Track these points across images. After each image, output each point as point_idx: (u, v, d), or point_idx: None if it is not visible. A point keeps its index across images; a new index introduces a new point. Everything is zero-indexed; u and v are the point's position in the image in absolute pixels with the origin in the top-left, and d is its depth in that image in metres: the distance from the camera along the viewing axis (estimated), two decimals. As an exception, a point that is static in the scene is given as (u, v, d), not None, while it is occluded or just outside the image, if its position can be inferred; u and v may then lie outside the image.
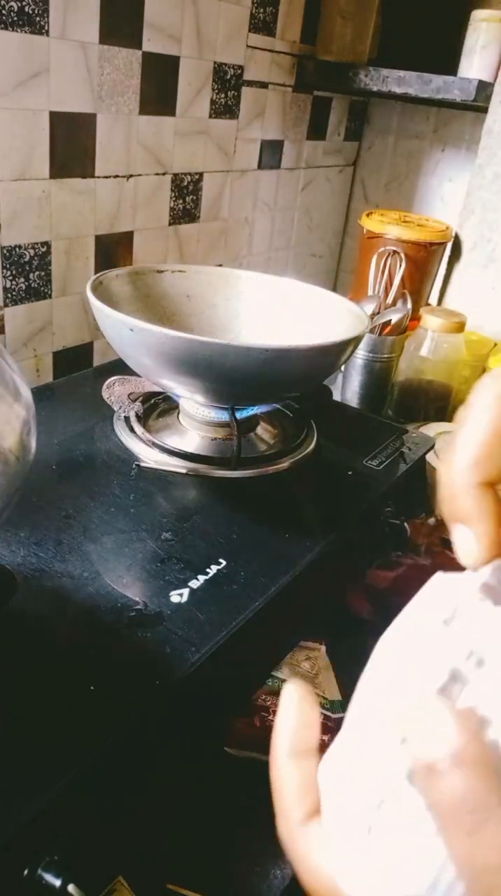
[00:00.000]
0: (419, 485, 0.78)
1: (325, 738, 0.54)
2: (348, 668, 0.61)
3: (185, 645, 0.42)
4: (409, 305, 0.90)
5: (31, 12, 0.64)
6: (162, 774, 0.45)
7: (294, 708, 0.24)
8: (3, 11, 0.61)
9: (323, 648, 0.62)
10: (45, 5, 0.64)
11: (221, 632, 0.43)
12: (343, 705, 0.58)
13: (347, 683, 0.60)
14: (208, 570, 0.48)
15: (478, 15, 0.96)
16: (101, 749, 0.35)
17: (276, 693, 0.57)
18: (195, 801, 0.51)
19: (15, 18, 0.63)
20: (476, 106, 0.98)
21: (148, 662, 0.41)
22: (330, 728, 0.55)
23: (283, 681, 0.58)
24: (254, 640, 0.47)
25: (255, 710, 0.55)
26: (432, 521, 0.76)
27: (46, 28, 0.65)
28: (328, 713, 0.56)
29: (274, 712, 0.54)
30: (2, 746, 0.35)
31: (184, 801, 0.50)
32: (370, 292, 0.94)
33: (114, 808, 0.40)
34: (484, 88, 0.94)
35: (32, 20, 0.64)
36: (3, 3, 0.61)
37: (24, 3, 0.63)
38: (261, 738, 0.54)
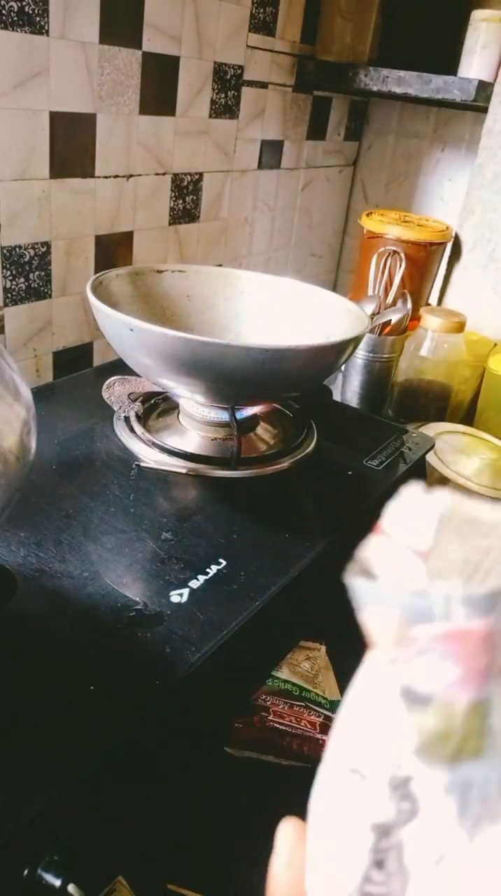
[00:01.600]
0: (419, 485, 0.78)
1: (324, 737, 0.54)
2: (348, 668, 0.61)
3: (185, 645, 0.42)
4: (409, 305, 0.90)
5: (31, 12, 0.64)
6: (162, 774, 0.45)
7: (286, 853, 0.22)
8: (3, 11, 0.61)
9: (323, 648, 0.62)
10: (44, 5, 0.64)
11: (221, 632, 0.43)
12: (343, 705, 0.58)
13: (347, 683, 0.60)
14: (208, 570, 0.48)
15: (478, 15, 0.96)
16: (101, 749, 0.36)
17: (276, 693, 0.57)
18: (195, 801, 0.51)
19: (15, 18, 0.63)
20: (476, 106, 0.98)
21: (148, 662, 0.41)
22: (330, 728, 0.55)
23: (284, 681, 0.58)
24: (254, 640, 0.47)
25: (255, 710, 0.55)
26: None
27: (46, 28, 0.65)
28: (327, 713, 0.56)
29: (275, 712, 0.55)
30: (2, 746, 0.35)
31: (184, 801, 0.50)
32: (370, 292, 0.94)
33: (115, 808, 0.40)
34: (484, 88, 0.94)
35: (32, 20, 0.64)
36: (3, 3, 0.61)
37: (24, 3, 0.63)
38: (261, 738, 0.54)
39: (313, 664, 0.60)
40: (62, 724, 0.36)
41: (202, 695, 0.44)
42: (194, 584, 0.47)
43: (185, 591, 0.46)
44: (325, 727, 0.55)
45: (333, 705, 0.57)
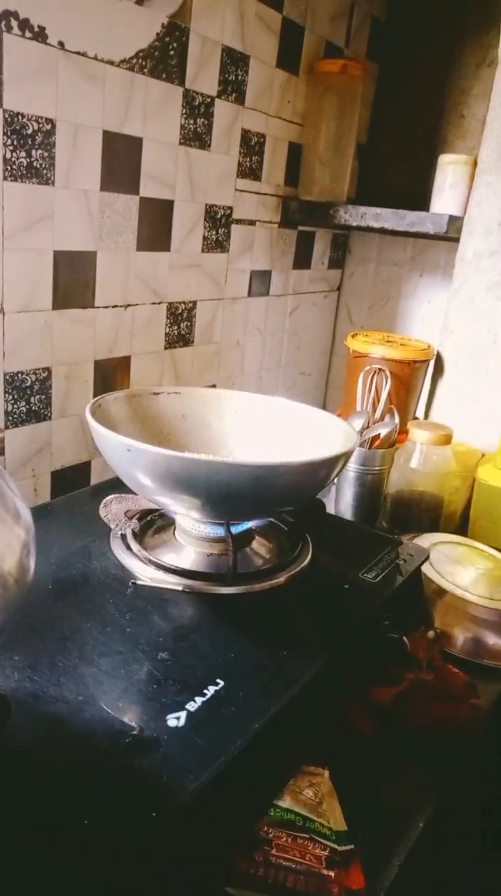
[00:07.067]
0: (416, 597, 0.77)
1: (331, 874, 0.51)
2: (352, 792, 0.59)
3: (183, 773, 0.40)
4: (397, 419, 0.93)
5: (38, 166, 0.70)
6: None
7: None
8: (14, 166, 0.68)
9: (327, 773, 0.60)
10: (51, 160, 0.71)
11: (220, 758, 0.42)
12: (348, 836, 0.55)
13: (352, 809, 0.57)
14: (205, 691, 0.47)
15: (445, 159, 1.06)
16: (96, 888, 0.34)
17: (279, 824, 0.54)
18: None
19: (24, 172, 0.69)
20: (449, 237, 1.06)
21: (144, 792, 0.39)
22: (337, 862, 0.52)
23: (286, 810, 0.55)
24: (255, 765, 0.45)
25: (257, 843, 0.52)
26: (431, 634, 0.75)
27: (52, 179, 0.72)
28: (333, 846, 0.53)
29: (278, 846, 0.52)
30: (-10, 890, 0.33)
31: None
32: (358, 408, 0.97)
33: None
34: (454, 222, 1.02)
35: (40, 173, 0.70)
36: (13, 159, 0.68)
37: (32, 159, 0.69)
38: (265, 877, 0.50)
39: (316, 791, 0.58)
40: (55, 860, 0.35)
41: (201, 826, 0.42)
42: (191, 706, 0.46)
43: (183, 714, 0.45)
44: (332, 861, 0.52)
45: (339, 837, 0.54)
